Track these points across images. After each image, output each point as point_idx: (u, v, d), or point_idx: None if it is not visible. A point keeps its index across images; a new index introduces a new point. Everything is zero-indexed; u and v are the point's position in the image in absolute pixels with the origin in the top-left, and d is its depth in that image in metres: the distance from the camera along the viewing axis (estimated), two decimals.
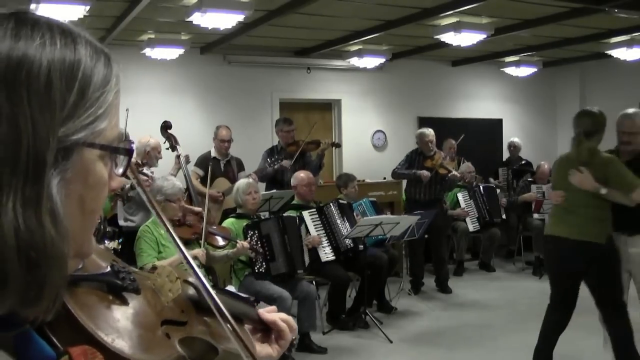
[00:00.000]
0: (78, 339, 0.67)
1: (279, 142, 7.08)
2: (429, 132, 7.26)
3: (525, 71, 9.84)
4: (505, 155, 10.06)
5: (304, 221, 5.74)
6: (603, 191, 4.07)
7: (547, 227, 4.52)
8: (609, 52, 8.34)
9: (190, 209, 4.93)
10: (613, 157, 4.20)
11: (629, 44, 7.98)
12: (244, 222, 5.15)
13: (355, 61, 8.64)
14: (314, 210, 5.91)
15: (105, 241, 4.52)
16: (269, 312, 1.12)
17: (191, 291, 0.94)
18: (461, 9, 6.27)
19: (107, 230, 4.74)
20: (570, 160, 4.27)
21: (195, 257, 4.38)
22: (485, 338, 5.55)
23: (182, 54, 7.67)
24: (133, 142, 0.71)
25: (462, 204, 8.25)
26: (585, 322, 4.60)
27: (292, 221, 5.49)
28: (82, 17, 5.62)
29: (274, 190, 6.31)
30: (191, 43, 7.61)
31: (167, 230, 0.87)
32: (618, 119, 4.39)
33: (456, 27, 6.80)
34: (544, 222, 8.34)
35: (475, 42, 7.36)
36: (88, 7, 5.44)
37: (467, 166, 8.49)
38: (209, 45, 8.18)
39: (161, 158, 6.08)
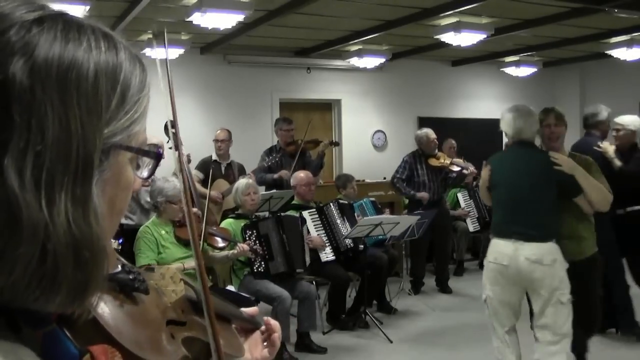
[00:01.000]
0: (95, 338, 0.68)
1: (278, 141, 7.08)
2: (431, 131, 7.18)
3: (525, 71, 9.84)
4: None
5: (307, 222, 5.74)
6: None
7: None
8: (609, 52, 8.34)
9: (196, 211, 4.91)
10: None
11: (629, 44, 7.98)
12: (243, 222, 5.15)
13: (355, 61, 8.64)
14: (314, 210, 5.91)
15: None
16: (251, 314, 1.16)
17: (190, 292, 0.96)
18: (461, 9, 6.27)
19: None
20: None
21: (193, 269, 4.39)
22: (485, 338, 5.52)
23: (182, 54, 7.67)
24: (161, 147, 0.73)
25: (462, 204, 8.25)
26: None
27: (291, 220, 5.49)
28: (82, 17, 5.62)
29: (274, 190, 6.31)
30: (191, 43, 7.62)
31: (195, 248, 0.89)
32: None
33: (456, 27, 6.80)
34: None
35: (475, 42, 7.36)
36: (88, 7, 5.44)
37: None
38: (209, 45, 8.18)
39: (164, 158, 6.07)
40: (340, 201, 6.20)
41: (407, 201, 7.60)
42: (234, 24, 6.19)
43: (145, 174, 0.72)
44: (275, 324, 1.17)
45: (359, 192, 6.89)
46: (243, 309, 1.15)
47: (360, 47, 8.37)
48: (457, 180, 7.47)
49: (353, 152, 9.42)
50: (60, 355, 0.64)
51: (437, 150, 7.19)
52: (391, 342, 5.44)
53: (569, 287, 3.68)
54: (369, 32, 7.50)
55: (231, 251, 4.78)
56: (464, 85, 10.32)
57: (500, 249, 3.78)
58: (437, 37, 7.19)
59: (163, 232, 4.45)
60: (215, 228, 5.01)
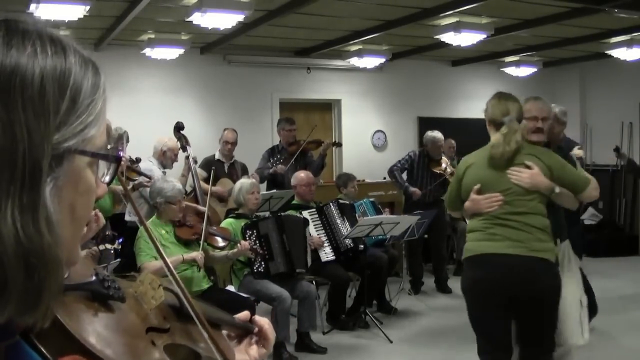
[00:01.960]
0: (67, 348, 0.67)
1: (280, 141, 7.08)
2: (441, 136, 7.16)
3: (525, 71, 9.84)
4: None
5: (309, 223, 5.75)
6: (557, 190, 3.30)
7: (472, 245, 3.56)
8: (609, 52, 8.34)
9: (193, 207, 4.92)
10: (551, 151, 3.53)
11: (629, 44, 7.98)
12: (243, 222, 5.15)
13: (355, 61, 8.64)
14: (314, 210, 5.91)
15: (106, 244, 4.52)
16: (243, 319, 1.15)
17: (171, 298, 0.95)
18: (461, 9, 6.27)
19: (107, 234, 4.75)
20: (497, 156, 3.31)
21: (193, 260, 4.40)
22: None
23: (182, 54, 7.67)
24: (121, 150, 0.72)
25: None
26: None
27: (291, 220, 5.49)
28: (82, 17, 5.63)
29: (274, 190, 6.32)
30: (191, 43, 7.61)
31: (149, 236, 0.92)
32: (525, 105, 3.55)
33: (456, 27, 6.80)
34: None
35: (475, 42, 7.36)
36: (88, 7, 5.44)
37: None
38: (209, 45, 8.18)
39: (177, 161, 6.11)
40: (341, 201, 6.20)
41: (404, 199, 7.62)
42: (234, 24, 6.19)
43: (107, 178, 0.71)
44: (263, 320, 1.16)
45: (359, 192, 6.90)
46: (236, 315, 1.14)
47: (360, 47, 8.37)
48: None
49: (353, 152, 9.42)
50: None
51: (441, 156, 7.18)
52: (391, 342, 5.44)
53: None
54: (369, 32, 7.50)
55: (231, 251, 4.78)
56: (464, 85, 10.32)
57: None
58: (437, 37, 7.19)
59: (163, 231, 4.46)
60: (215, 228, 5.01)
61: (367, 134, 9.72)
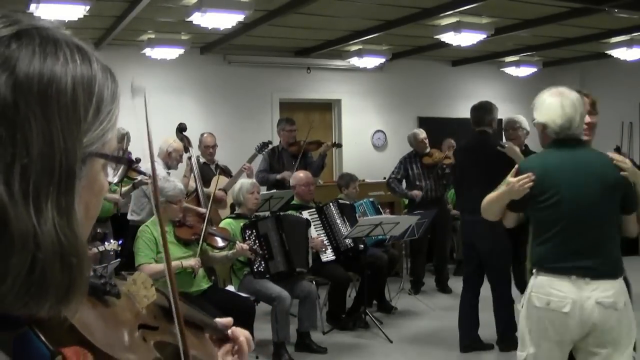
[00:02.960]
0: (67, 339, 0.69)
1: (280, 142, 7.07)
2: (421, 130, 7.33)
3: (525, 71, 9.84)
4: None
5: (311, 224, 5.75)
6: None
7: None
8: (609, 52, 8.34)
9: (194, 209, 4.92)
10: None
11: (629, 44, 7.98)
12: (242, 222, 5.15)
13: (355, 61, 8.64)
14: (314, 210, 5.91)
15: (106, 243, 4.53)
16: (225, 324, 1.17)
17: (162, 299, 0.99)
18: (461, 9, 6.27)
19: (98, 231, 4.77)
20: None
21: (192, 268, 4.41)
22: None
23: (182, 54, 7.67)
24: (130, 153, 0.76)
25: None
26: None
27: (291, 220, 5.48)
28: (82, 17, 5.63)
29: (274, 190, 6.31)
30: (191, 43, 7.62)
31: (163, 238, 0.94)
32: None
33: (456, 27, 6.80)
34: None
35: (475, 42, 7.36)
36: (88, 7, 5.44)
37: None
38: (209, 45, 8.18)
39: (181, 162, 6.12)
40: (341, 201, 6.20)
41: (407, 201, 7.61)
42: (234, 24, 6.19)
43: (116, 179, 0.75)
44: (240, 331, 1.18)
45: (359, 192, 6.89)
46: (217, 320, 1.17)
47: (360, 47, 8.37)
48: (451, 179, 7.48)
49: (353, 152, 9.42)
50: (32, 357, 0.65)
51: (429, 149, 7.22)
52: (391, 342, 5.44)
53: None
54: (369, 32, 7.50)
55: (231, 251, 4.78)
56: (464, 85, 10.31)
57: (556, 290, 2.75)
58: (437, 37, 7.19)
59: (166, 234, 4.46)
60: (214, 228, 5.01)
61: (367, 134, 9.72)
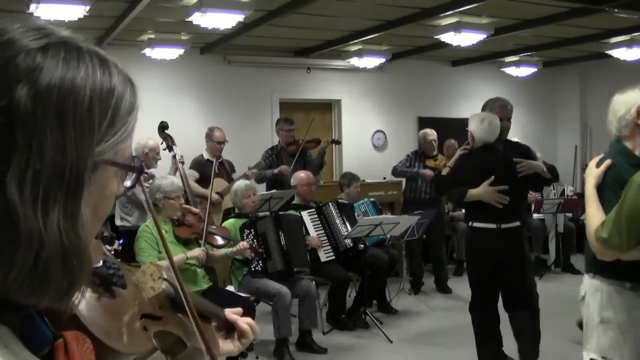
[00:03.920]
0: (70, 325, 0.74)
1: (279, 141, 7.08)
2: (432, 132, 7.36)
3: (525, 71, 9.84)
4: None
5: (304, 221, 5.75)
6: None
7: None
8: (609, 52, 8.34)
9: (189, 209, 4.92)
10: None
11: (629, 44, 7.99)
12: (243, 222, 5.16)
13: (355, 61, 8.64)
14: (313, 210, 5.91)
15: (106, 246, 4.52)
16: (234, 313, 1.25)
17: (170, 289, 1.04)
18: (461, 9, 6.27)
19: (105, 235, 4.75)
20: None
21: (196, 259, 4.40)
22: None
23: (182, 54, 7.67)
24: (143, 161, 0.78)
25: None
26: None
27: (290, 219, 5.49)
28: (82, 17, 5.63)
29: (274, 191, 6.31)
30: (191, 43, 7.62)
31: (160, 235, 1.01)
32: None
33: (456, 27, 6.80)
34: (543, 222, 8.35)
35: (475, 42, 7.36)
36: (88, 7, 5.44)
37: None
38: (209, 45, 8.18)
39: (160, 159, 6.12)
40: (340, 201, 6.20)
41: (403, 200, 7.64)
42: (234, 24, 6.19)
43: (128, 183, 0.78)
44: (244, 322, 1.25)
45: (359, 192, 6.89)
46: (227, 310, 1.24)
47: (360, 47, 8.37)
48: None
49: (353, 152, 9.42)
50: (35, 337, 0.70)
51: (436, 152, 7.24)
52: (391, 342, 5.44)
53: None
54: (369, 32, 7.50)
55: (230, 249, 4.78)
56: (464, 85, 10.31)
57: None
58: (437, 37, 7.19)
59: (162, 230, 4.45)
60: (214, 227, 5.02)
61: (367, 134, 9.72)
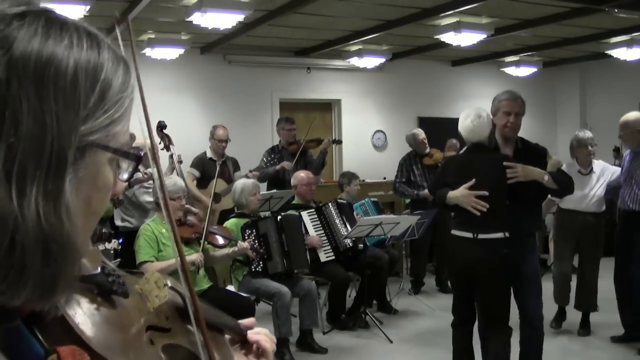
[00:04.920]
0: (65, 338, 0.67)
1: (280, 141, 7.08)
2: (420, 131, 7.29)
3: (525, 71, 9.85)
4: None
5: (302, 220, 5.75)
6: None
7: None
8: (609, 52, 8.35)
9: (189, 208, 4.93)
10: None
11: (629, 44, 7.99)
12: (245, 222, 5.16)
13: (355, 61, 8.65)
14: (313, 210, 5.91)
15: (106, 243, 4.52)
16: (248, 325, 1.12)
17: (177, 299, 0.94)
18: (461, 9, 6.28)
19: (103, 231, 4.75)
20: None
21: (192, 263, 4.40)
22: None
23: (182, 54, 7.67)
24: (142, 150, 0.73)
25: None
26: None
27: (291, 220, 5.49)
28: (82, 17, 5.63)
29: (274, 190, 6.31)
30: (191, 43, 7.62)
31: (174, 235, 0.89)
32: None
33: (456, 27, 6.80)
34: (544, 222, 8.34)
35: (475, 42, 7.37)
36: (88, 7, 5.45)
37: None
38: (209, 45, 8.19)
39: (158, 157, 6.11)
40: (339, 201, 6.20)
41: (407, 201, 7.61)
42: (234, 24, 6.19)
43: (125, 176, 0.72)
44: (259, 334, 1.13)
45: (359, 192, 6.90)
46: (241, 321, 1.12)
47: (360, 47, 8.37)
48: None
49: (353, 152, 9.43)
50: (24, 353, 0.63)
51: (429, 149, 7.21)
52: (391, 342, 5.44)
53: None
54: (369, 32, 7.50)
55: (231, 249, 4.78)
56: (464, 85, 10.32)
57: None
58: (437, 37, 7.19)
59: (163, 230, 4.46)
60: (215, 227, 5.02)
61: (367, 134, 9.72)
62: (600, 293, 5.47)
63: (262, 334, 1.12)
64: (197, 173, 6.40)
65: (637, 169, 5.01)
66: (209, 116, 8.40)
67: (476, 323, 3.97)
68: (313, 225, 5.82)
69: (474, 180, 3.77)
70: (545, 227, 8.39)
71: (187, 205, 4.72)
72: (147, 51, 7.47)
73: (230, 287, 5.06)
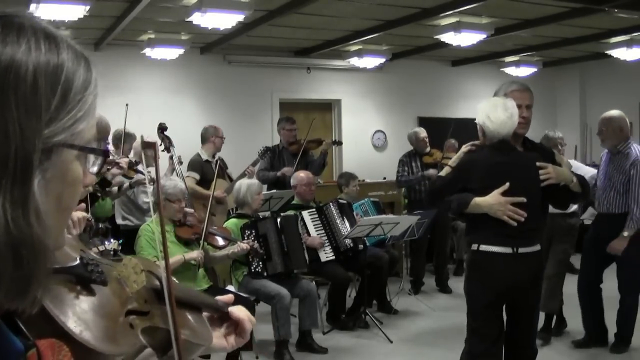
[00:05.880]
0: (47, 329, 0.68)
1: (280, 141, 7.07)
2: (422, 129, 7.37)
3: (525, 71, 9.85)
4: None
5: (302, 220, 5.75)
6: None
7: None
8: (609, 52, 8.34)
9: (187, 210, 4.93)
10: None
11: (628, 44, 7.99)
12: (244, 222, 5.16)
13: (355, 61, 8.65)
14: (314, 210, 5.91)
15: (106, 242, 4.51)
16: (226, 301, 1.17)
17: (155, 282, 0.98)
18: (461, 9, 6.27)
19: (100, 226, 4.74)
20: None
21: (194, 260, 4.41)
22: None
23: (182, 54, 7.67)
24: (108, 144, 0.74)
25: None
26: None
27: (290, 220, 5.49)
28: (82, 17, 5.63)
29: (274, 190, 6.31)
30: (191, 43, 7.62)
31: (162, 232, 0.95)
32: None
33: (456, 27, 6.80)
34: None
35: (475, 42, 7.37)
36: (88, 7, 5.44)
37: None
38: (209, 45, 8.18)
39: (159, 158, 6.10)
40: (340, 201, 6.20)
41: (406, 201, 7.62)
42: (234, 24, 6.19)
43: (94, 169, 0.73)
44: (239, 311, 1.18)
45: (359, 192, 6.90)
46: (218, 297, 1.17)
47: (360, 47, 8.37)
48: None
49: (353, 152, 9.43)
50: (4, 350, 0.64)
51: (429, 148, 7.24)
52: (391, 342, 5.44)
53: None
54: (369, 32, 7.50)
55: (231, 249, 4.78)
56: (464, 85, 10.32)
57: None
58: (437, 37, 7.19)
59: (165, 229, 4.46)
60: (215, 227, 5.02)
61: (367, 134, 9.72)
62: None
63: (242, 312, 1.17)
64: (197, 176, 6.37)
65: (615, 172, 4.81)
66: (209, 116, 8.40)
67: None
68: (314, 225, 5.82)
69: (507, 184, 3.18)
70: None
71: (185, 208, 4.72)
72: (147, 51, 7.47)
73: (230, 287, 5.06)
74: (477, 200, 3.21)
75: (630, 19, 6.89)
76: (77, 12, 5.52)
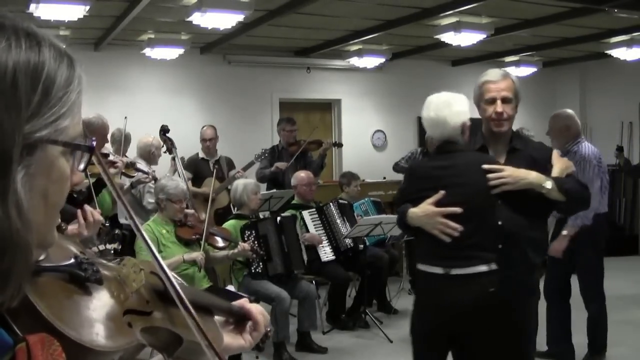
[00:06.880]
0: (37, 326, 0.69)
1: (280, 141, 7.07)
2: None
3: (525, 71, 9.84)
4: None
5: (302, 220, 5.75)
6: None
7: None
8: (609, 52, 8.34)
9: (187, 212, 4.93)
10: None
11: (629, 44, 7.98)
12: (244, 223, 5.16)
13: (355, 61, 8.65)
14: (314, 210, 5.91)
15: (107, 244, 4.51)
16: (240, 305, 1.16)
17: (156, 282, 0.98)
18: (461, 9, 6.27)
19: (117, 232, 4.74)
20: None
21: (194, 261, 4.41)
22: None
23: (182, 54, 7.67)
24: (94, 140, 0.73)
25: None
26: None
27: (289, 221, 5.49)
28: (82, 17, 5.63)
29: (274, 190, 6.31)
30: (191, 43, 7.61)
31: (137, 227, 0.96)
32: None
33: (456, 27, 6.80)
34: None
35: (475, 42, 7.37)
36: (88, 7, 5.44)
37: None
38: (209, 45, 8.18)
39: (160, 155, 6.14)
40: (340, 201, 6.20)
41: None
42: (234, 24, 6.19)
43: (82, 166, 0.73)
44: (255, 309, 1.17)
45: (359, 192, 6.90)
46: (234, 302, 1.16)
47: (360, 47, 8.37)
48: None
49: (353, 152, 9.42)
50: None
51: None
52: (391, 342, 5.44)
53: None
54: (369, 32, 7.50)
55: (231, 251, 4.78)
56: (464, 85, 10.27)
57: None
58: (437, 37, 7.19)
59: (164, 231, 4.47)
60: (215, 228, 5.02)
61: (367, 134, 9.72)
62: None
63: (253, 307, 1.16)
64: (189, 174, 6.38)
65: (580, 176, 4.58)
66: (209, 116, 8.39)
67: None
68: (314, 225, 5.82)
69: (441, 192, 2.67)
70: None
71: (186, 210, 4.72)
72: (147, 51, 7.46)
73: (231, 287, 5.05)
74: (410, 211, 2.75)
75: (630, 19, 6.89)
76: (77, 12, 5.52)
